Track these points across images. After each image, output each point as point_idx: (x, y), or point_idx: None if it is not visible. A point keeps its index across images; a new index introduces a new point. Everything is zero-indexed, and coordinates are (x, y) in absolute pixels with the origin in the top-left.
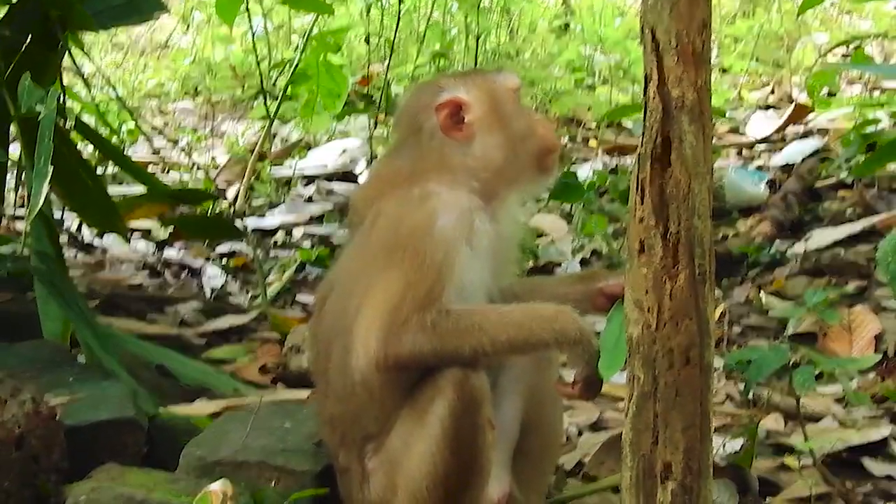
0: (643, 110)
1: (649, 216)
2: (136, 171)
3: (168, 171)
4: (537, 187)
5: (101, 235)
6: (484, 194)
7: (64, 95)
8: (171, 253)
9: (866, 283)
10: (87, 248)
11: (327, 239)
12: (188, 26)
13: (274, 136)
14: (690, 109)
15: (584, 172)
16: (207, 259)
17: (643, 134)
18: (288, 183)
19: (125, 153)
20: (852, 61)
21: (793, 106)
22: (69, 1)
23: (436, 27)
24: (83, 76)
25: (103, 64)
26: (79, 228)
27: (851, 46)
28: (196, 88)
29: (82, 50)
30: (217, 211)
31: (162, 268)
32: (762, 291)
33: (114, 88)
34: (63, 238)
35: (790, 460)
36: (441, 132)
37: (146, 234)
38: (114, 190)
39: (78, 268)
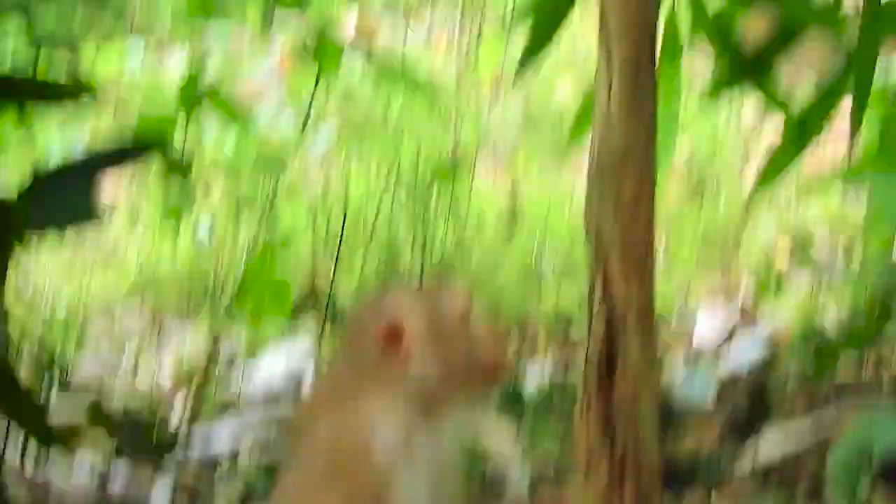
0: (588, 315)
1: (595, 428)
2: (78, 395)
3: (113, 387)
4: (480, 400)
5: (44, 460)
6: (424, 410)
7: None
8: (115, 478)
9: (816, 485)
10: (31, 477)
11: (273, 456)
12: (135, 226)
13: (221, 345)
14: (637, 312)
15: (533, 374)
16: (153, 484)
17: (588, 341)
18: (236, 396)
19: (68, 370)
20: (799, 259)
21: (740, 305)
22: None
23: (383, 229)
24: (27, 289)
25: (49, 268)
26: (22, 458)
27: (797, 243)
28: (143, 296)
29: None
30: (161, 430)
31: (106, 496)
32: (712, 499)
33: (55, 301)
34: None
35: None
36: (379, 353)
37: (91, 455)
38: (59, 404)
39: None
